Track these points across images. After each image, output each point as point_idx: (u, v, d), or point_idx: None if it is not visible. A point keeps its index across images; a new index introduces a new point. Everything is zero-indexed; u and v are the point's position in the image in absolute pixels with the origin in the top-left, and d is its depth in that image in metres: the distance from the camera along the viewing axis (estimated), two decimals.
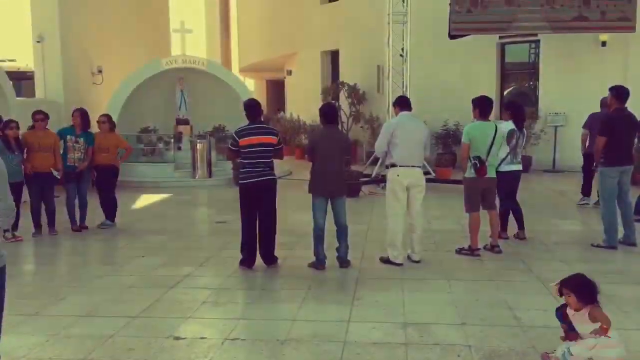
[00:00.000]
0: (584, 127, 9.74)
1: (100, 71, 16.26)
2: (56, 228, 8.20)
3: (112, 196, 8.68)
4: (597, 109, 9.69)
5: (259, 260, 6.31)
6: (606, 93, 9.92)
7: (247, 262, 6.28)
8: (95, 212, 8.76)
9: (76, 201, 8.42)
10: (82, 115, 8.42)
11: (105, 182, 8.58)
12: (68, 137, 8.25)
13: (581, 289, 3.58)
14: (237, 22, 30.97)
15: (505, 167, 7.18)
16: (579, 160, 10.25)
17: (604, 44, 13.78)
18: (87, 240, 8.03)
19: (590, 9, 12.46)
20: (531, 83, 16.02)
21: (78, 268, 6.66)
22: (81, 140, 8.35)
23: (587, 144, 9.56)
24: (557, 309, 3.83)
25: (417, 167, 6.41)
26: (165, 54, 19.56)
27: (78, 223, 8.44)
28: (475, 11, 12.49)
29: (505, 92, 16.17)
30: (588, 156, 9.47)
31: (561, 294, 3.67)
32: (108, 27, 17.12)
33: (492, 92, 15.15)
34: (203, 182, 13.57)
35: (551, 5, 12.46)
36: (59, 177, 8.06)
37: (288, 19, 22.29)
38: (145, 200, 11.59)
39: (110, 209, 8.67)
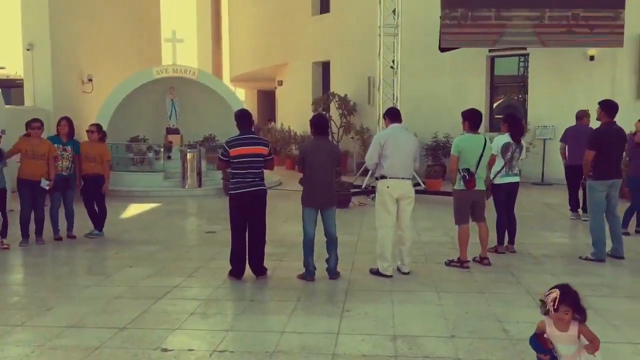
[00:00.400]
0: (561, 140, 9.95)
1: (90, 80, 16.21)
2: (43, 237, 8.13)
3: (101, 205, 8.62)
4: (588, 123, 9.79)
5: (248, 271, 6.28)
6: (594, 107, 10.07)
7: (236, 272, 6.25)
8: (83, 222, 8.69)
9: (62, 211, 8.37)
10: (69, 123, 8.42)
11: (92, 191, 8.51)
12: (55, 145, 8.21)
13: (579, 305, 3.23)
14: (228, 32, 31.02)
15: (500, 180, 7.24)
16: None
17: (592, 58, 13.94)
18: (75, 249, 7.96)
19: (578, 23, 12.59)
20: (520, 96, 16.14)
21: (65, 278, 6.60)
22: (68, 148, 8.33)
23: (566, 156, 9.74)
24: (533, 338, 3.41)
25: (407, 179, 6.42)
26: (157, 63, 19.54)
27: (66, 232, 8.40)
28: (466, 25, 12.57)
29: (494, 105, 16.28)
30: (568, 169, 9.60)
31: (553, 311, 3.19)
32: (99, 36, 17.09)
33: (481, 104, 15.27)
34: (193, 192, 13.52)
35: (540, 19, 12.58)
36: (47, 188, 8.00)
37: (279, 30, 22.36)
38: (134, 209, 11.52)
39: (98, 218, 8.61)
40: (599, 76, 14.06)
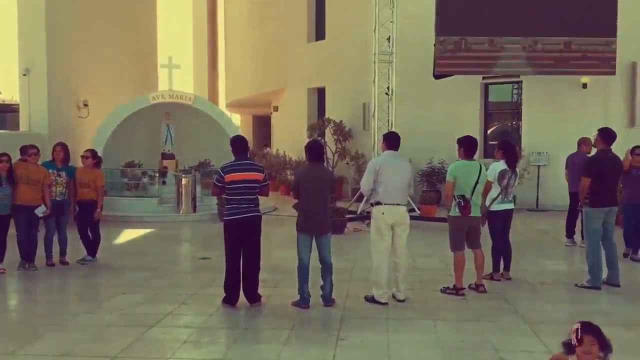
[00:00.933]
0: (565, 167, 9.95)
1: (86, 105, 16.25)
2: (35, 263, 8.05)
3: (95, 231, 8.56)
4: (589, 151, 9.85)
5: (242, 298, 6.22)
6: (587, 134, 10.16)
7: (230, 300, 6.19)
8: (76, 247, 8.62)
9: (55, 236, 8.31)
10: (64, 149, 8.42)
11: (86, 217, 8.46)
12: (50, 171, 8.19)
13: (604, 337, 3.03)
14: (224, 58, 31.26)
15: (496, 207, 7.25)
16: (562, 200, 10.35)
17: (584, 86, 14.08)
18: (67, 276, 7.88)
19: (571, 51, 12.74)
20: (514, 122, 16.26)
21: (56, 305, 6.52)
22: (63, 173, 8.31)
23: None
24: None
25: (402, 205, 6.42)
26: (153, 88, 19.64)
27: (58, 258, 8.33)
28: (460, 52, 12.71)
29: (489, 131, 16.38)
30: (571, 195, 9.61)
31: (578, 345, 2.99)
32: (95, 62, 17.19)
33: (475, 131, 15.34)
34: (187, 217, 13.46)
35: (533, 47, 12.72)
36: (40, 216, 7.94)
37: (275, 56, 22.54)
38: (127, 235, 11.45)
39: (91, 244, 8.54)
40: (592, 104, 14.19)
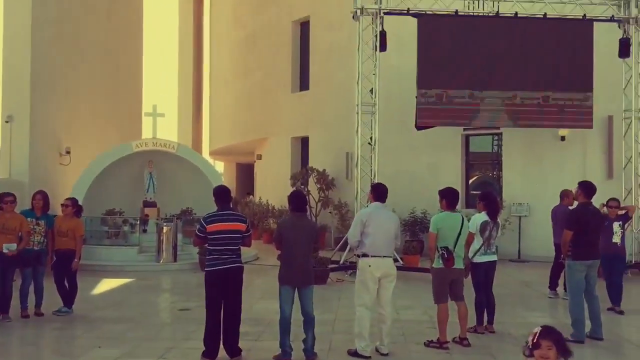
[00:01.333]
0: (552, 220, 10.01)
1: (68, 152, 16.18)
2: (10, 314, 7.83)
3: (72, 281, 8.38)
4: (558, 202, 9.97)
5: (222, 352, 6.07)
6: (566, 185, 10.32)
7: (209, 354, 6.04)
8: (53, 298, 8.41)
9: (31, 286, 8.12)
10: (44, 197, 8.31)
11: (64, 267, 8.29)
12: (28, 219, 8.07)
13: (564, 343, 3.06)
14: (209, 106, 31.52)
15: (479, 258, 7.25)
16: (543, 251, 10.40)
17: (563, 138, 14.37)
18: (42, 328, 7.65)
19: (549, 105, 13.09)
20: (495, 173, 16.47)
21: (30, 359, 6.29)
22: (42, 222, 8.19)
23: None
24: None
25: (389, 257, 6.41)
26: (136, 136, 19.66)
27: (33, 309, 8.11)
28: (441, 104, 12.97)
29: (470, 181, 16.55)
30: (556, 247, 9.65)
31: (535, 348, 3.03)
32: (80, 109, 17.23)
33: (457, 181, 15.52)
34: (168, 267, 13.26)
35: (512, 100, 13.06)
36: (6, 252, 7.74)
37: (259, 105, 22.78)
38: (106, 285, 11.22)
39: (68, 294, 8.34)
40: (570, 156, 14.47)
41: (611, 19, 13.26)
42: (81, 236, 8.47)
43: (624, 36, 13.26)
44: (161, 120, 16.01)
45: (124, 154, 14.78)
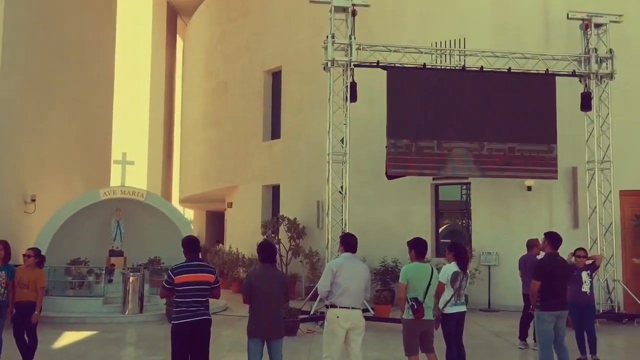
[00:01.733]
0: (519, 269, 10.10)
1: (33, 200, 15.84)
2: None
3: (32, 335, 8.06)
4: (526, 251, 10.09)
5: None
6: (534, 235, 10.47)
7: None
8: (12, 352, 8.06)
9: None
10: (5, 247, 8.07)
11: (24, 320, 8.00)
12: None
13: None
14: (180, 153, 31.42)
15: (449, 309, 7.22)
16: (513, 300, 10.44)
17: (529, 188, 14.65)
18: None
19: (514, 156, 13.42)
20: (464, 222, 16.64)
21: None
22: (2, 273, 7.92)
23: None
24: None
25: (357, 308, 6.36)
26: (105, 183, 19.41)
27: None
28: (410, 154, 13.18)
29: (440, 230, 16.67)
30: (525, 297, 9.71)
31: None
32: (47, 157, 16.98)
33: (427, 230, 15.62)
34: (133, 318, 12.89)
35: (479, 151, 13.35)
36: None
37: (230, 153, 22.80)
38: (68, 338, 10.82)
39: (28, 349, 8.02)
40: (537, 206, 14.72)
41: (573, 74, 13.79)
42: (42, 288, 8.20)
43: (585, 90, 13.76)
44: (130, 168, 15.87)
45: (91, 202, 14.53)
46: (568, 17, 13.74)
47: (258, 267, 6.36)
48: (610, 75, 13.67)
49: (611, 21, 13.66)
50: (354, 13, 13.37)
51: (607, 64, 13.71)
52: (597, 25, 13.73)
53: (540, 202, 14.70)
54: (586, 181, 13.78)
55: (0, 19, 14.39)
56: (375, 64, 13.31)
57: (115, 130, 24.08)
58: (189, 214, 34.94)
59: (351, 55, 13.23)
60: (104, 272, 14.10)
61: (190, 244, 6.28)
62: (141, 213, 15.21)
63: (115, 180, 19.21)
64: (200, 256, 6.42)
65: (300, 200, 18.32)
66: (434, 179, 15.77)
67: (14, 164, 15.23)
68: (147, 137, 32.72)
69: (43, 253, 8.86)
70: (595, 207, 13.45)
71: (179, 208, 25.87)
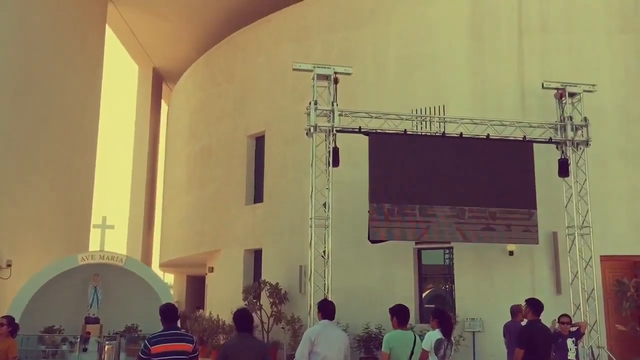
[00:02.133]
0: (503, 336, 10.00)
1: (9, 265, 15.48)
2: None
3: None
4: (509, 317, 10.02)
5: None
6: (517, 300, 10.42)
7: None
8: None
9: None
10: None
11: None
12: None
13: None
14: (161, 217, 31.18)
15: None
16: None
17: (511, 253, 14.68)
18: None
19: (495, 221, 13.52)
20: (447, 286, 16.52)
21: None
22: None
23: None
24: None
25: None
26: (83, 248, 19.11)
27: None
28: (392, 219, 13.21)
29: (423, 295, 16.51)
30: None
31: None
32: (25, 220, 16.73)
33: (411, 295, 15.47)
34: None
35: (461, 216, 13.44)
36: None
37: (212, 217, 22.67)
38: None
39: None
40: (519, 271, 14.70)
41: (549, 141, 14.11)
42: (14, 358, 7.91)
43: (562, 157, 14.06)
44: (110, 231, 15.68)
45: (69, 267, 14.24)
46: (543, 87, 14.19)
47: (234, 336, 6.19)
48: (586, 142, 14.00)
49: (585, 90, 14.13)
50: (336, 81, 13.71)
51: (582, 132, 14.07)
52: (572, 94, 14.18)
53: (522, 267, 14.70)
54: (567, 246, 13.86)
55: None
56: (357, 130, 13.54)
57: (97, 193, 23.92)
58: (169, 278, 34.34)
59: (333, 121, 13.45)
60: (78, 340, 13.67)
61: (167, 313, 6.15)
62: (120, 278, 14.91)
63: (94, 244, 18.93)
64: (178, 324, 6.27)
65: (283, 265, 18.13)
66: (416, 243, 15.76)
67: None
68: (129, 200, 32.50)
69: (17, 320, 8.59)
70: (577, 272, 13.48)
71: (159, 273, 25.43)
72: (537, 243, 13.81)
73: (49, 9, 18.44)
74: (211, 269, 23.32)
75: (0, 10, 15.16)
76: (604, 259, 14.05)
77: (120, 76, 32.19)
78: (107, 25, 24.63)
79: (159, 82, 33.24)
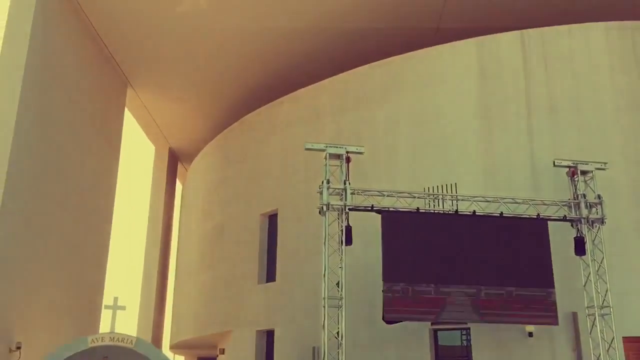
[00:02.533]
0: None
1: (19, 347, 15.23)
2: None
3: None
4: None
5: None
6: None
7: None
8: None
9: None
10: None
11: None
12: None
13: None
14: (172, 299, 30.86)
15: None
16: None
17: (530, 334, 14.24)
18: None
19: (513, 300, 13.22)
20: None
21: None
22: None
23: None
24: None
25: None
26: (94, 328, 18.85)
27: None
28: (407, 298, 12.99)
29: None
30: None
31: None
32: (36, 302, 16.62)
33: None
34: None
35: (477, 295, 13.17)
36: None
37: (224, 297, 22.37)
38: None
39: None
40: (539, 353, 14.21)
41: (564, 219, 14.00)
42: None
43: (578, 235, 13.89)
44: (121, 313, 15.51)
45: (78, 350, 14.01)
46: (554, 165, 14.25)
47: None
48: (601, 220, 13.87)
49: (596, 168, 14.14)
50: (348, 160, 13.90)
51: (596, 209, 13.97)
52: (584, 172, 14.18)
53: (543, 348, 14.22)
54: (588, 327, 13.45)
55: (4, 168, 14.82)
56: (369, 208, 13.57)
57: (109, 274, 23.83)
58: None
59: (346, 200, 13.52)
60: None
61: None
62: None
63: (105, 325, 18.64)
64: None
65: (296, 346, 17.68)
66: (432, 323, 15.38)
67: (2, 311, 14.86)
68: (141, 281, 32.32)
69: None
70: (600, 354, 13.01)
71: (170, 354, 24.86)
72: (557, 324, 13.42)
73: (70, 94, 19.09)
74: (222, 351, 22.78)
75: (21, 93, 15.69)
76: (627, 340, 13.58)
77: (137, 156, 32.79)
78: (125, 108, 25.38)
79: (174, 162, 33.84)
